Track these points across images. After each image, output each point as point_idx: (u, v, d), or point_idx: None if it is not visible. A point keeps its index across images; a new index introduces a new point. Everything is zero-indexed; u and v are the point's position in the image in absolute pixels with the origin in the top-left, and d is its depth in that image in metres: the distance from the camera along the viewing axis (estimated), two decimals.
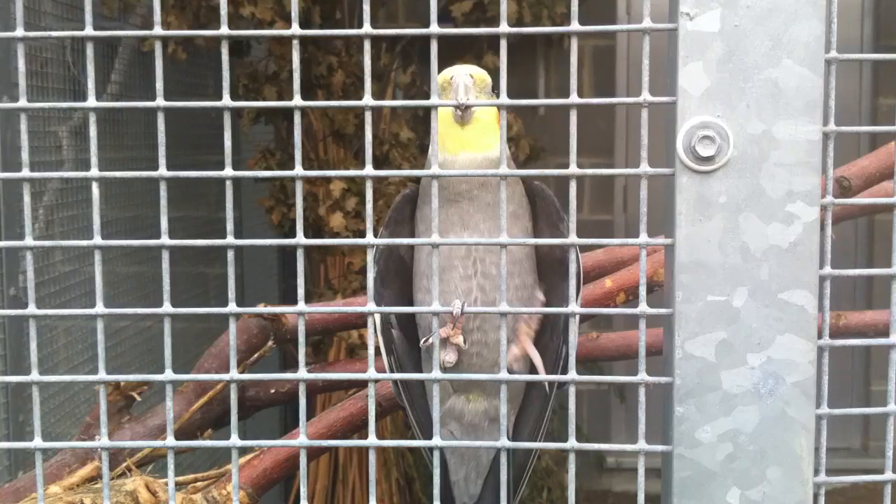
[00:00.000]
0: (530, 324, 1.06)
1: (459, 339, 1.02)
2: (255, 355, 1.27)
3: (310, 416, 2.74)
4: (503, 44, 0.64)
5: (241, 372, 1.25)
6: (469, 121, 1.03)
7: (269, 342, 1.28)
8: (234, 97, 3.22)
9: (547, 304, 1.07)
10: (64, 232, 2.58)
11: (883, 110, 4.03)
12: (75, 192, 2.55)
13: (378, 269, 1.09)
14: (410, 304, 1.09)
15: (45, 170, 2.54)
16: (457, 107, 1.01)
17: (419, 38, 3.48)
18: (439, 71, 1.07)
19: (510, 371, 1.04)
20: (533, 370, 1.04)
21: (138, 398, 1.25)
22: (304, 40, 3.06)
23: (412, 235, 1.08)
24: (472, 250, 1.03)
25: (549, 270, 1.09)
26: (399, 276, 1.10)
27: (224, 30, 0.63)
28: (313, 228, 2.96)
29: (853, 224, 3.70)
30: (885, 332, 0.72)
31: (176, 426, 1.19)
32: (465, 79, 1.02)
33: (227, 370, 1.29)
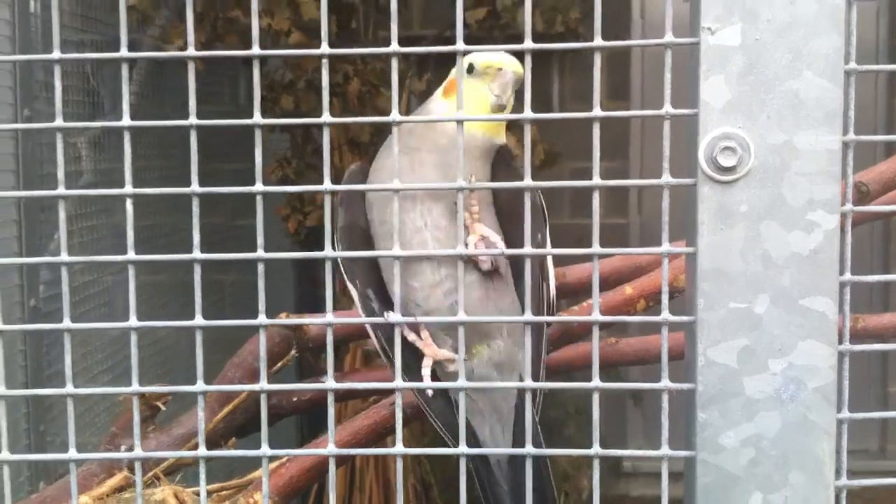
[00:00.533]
0: (471, 210, 1.05)
1: (443, 353, 1.05)
2: (279, 364, 1.29)
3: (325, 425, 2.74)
4: (528, 60, 0.65)
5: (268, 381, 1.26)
6: (503, 109, 1.08)
7: (293, 351, 1.29)
8: (249, 108, 3.25)
9: (510, 246, 1.07)
10: (83, 242, 2.60)
11: None
12: (94, 202, 2.58)
13: (344, 247, 1.11)
14: (380, 274, 1.11)
15: (66, 180, 2.56)
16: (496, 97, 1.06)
17: (435, 45, 3.46)
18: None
19: (481, 264, 1.05)
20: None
21: (163, 408, 1.26)
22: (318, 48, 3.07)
23: (365, 209, 1.11)
24: (417, 201, 1.05)
25: (511, 219, 1.10)
26: (366, 249, 1.12)
27: (256, 49, 0.64)
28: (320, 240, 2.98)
29: (869, 227, 3.69)
30: None
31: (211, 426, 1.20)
32: (513, 75, 1.08)
33: (250, 379, 1.32)
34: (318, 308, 2.99)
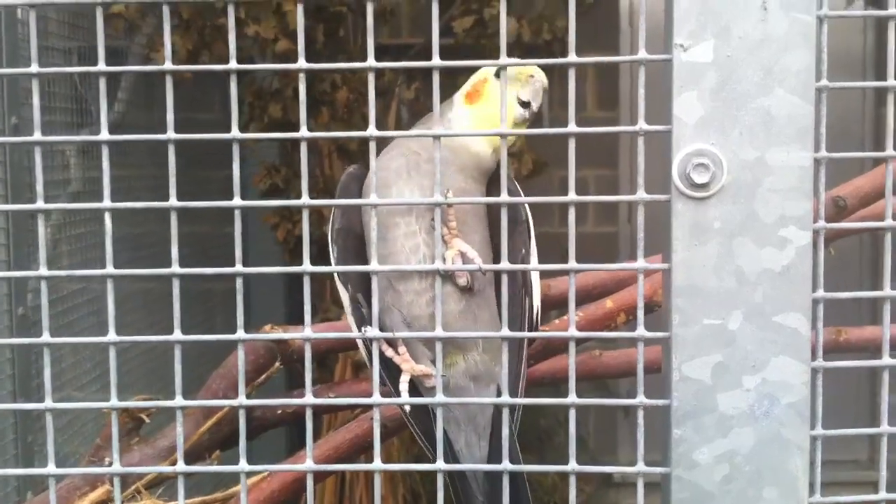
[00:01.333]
0: (449, 225, 1.05)
1: (420, 369, 1.05)
2: (263, 376, 1.29)
3: (316, 435, 2.75)
4: (504, 77, 0.66)
5: (249, 393, 1.26)
6: (527, 122, 1.09)
7: (276, 363, 1.29)
8: (238, 114, 3.25)
9: (497, 260, 1.07)
10: (71, 251, 2.60)
11: (885, 120, 4.03)
12: (82, 210, 2.57)
13: (338, 249, 1.11)
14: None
15: (53, 189, 2.56)
16: (524, 105, 1.08)
17: (424, 53, 3.50)
18: (460, 83, 1.12)
19: (457, 279, 1.05)
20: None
21: (147, 420, 1.26)
22: (308, 56, 3.08)
23: (360, 213, 1.10)
24: (412, 206, 1.05)
25: (499, 233, 1.10)
26: (360, 254, 1.11)
27: (233, 64, 0.64)
28: (318, 245, 2.98)
29: (857, 238, 3.70)
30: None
31: (184, 448, 1.20)
32: (542, 84, 1.09)
33: (234, 391, 1.32)
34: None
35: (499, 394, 1.10)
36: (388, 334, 1.05)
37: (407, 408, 1.11)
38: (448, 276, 1.04)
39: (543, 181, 3.37)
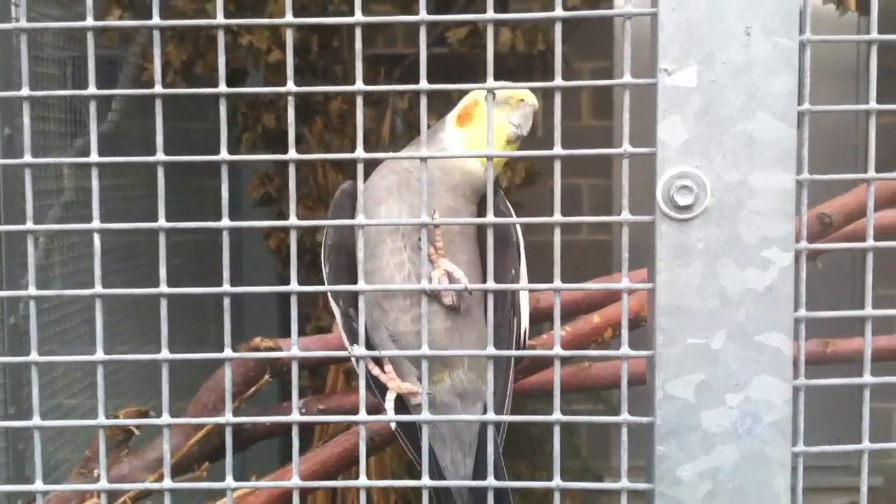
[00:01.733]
0: (435, 245, 1.06)
1: (406, 387, 1.06)
2: (252, 389, 1.29)
3: (308, 444, 2.73)
4: (489, 100, 0.67)
5: (239, 405, 1.27)
6: (517, 144, 1.11)
7: (266, 376, 1.30)
8: (232, 124, 3.26)
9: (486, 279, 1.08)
10: (64, 260, 2.59)
11: (879, 127, 4.05)
12: (75, 218, 2.58)
13: (330, 265, 1.12)
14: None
15: (47, 198, 2.56)
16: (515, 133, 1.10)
17: (418, 63, 3.49)
18: (460, 96, 1.13)
19: (443, 299, 1.06)
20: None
21: (137, 433, 1.27)
22: (302, 67, 3.09)
23: (353, 229, 1.11)
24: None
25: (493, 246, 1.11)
26: (351, 270, 1.12)
27: (222, 87, 0.65)
28: (311, 254, 2.99)
29: (849, 252, 3.70)
30: (873, 360, 0.74)
31: (173, 460, 1.21)
32: (532, 108, 1.11)
33: (224, 402, 1.31)
34: (301, 329, 2.98)
35: (485, 411, 1.11)
36: (375, 353, 1.06)
37: (393, 426, 1.11)
38: (434, 296, 1.05)
39: (537, 190, 3.38)
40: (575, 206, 3.99)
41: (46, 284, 2.44)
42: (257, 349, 1.21)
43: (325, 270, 1.13)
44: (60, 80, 2.66)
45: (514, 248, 1.11)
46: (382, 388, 1.10)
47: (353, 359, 1.16)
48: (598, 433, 3.94)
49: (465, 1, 3.28)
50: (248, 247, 3.48)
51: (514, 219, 0.99)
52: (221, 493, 1.39)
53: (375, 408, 1.06)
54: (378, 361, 1.09)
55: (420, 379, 1.02)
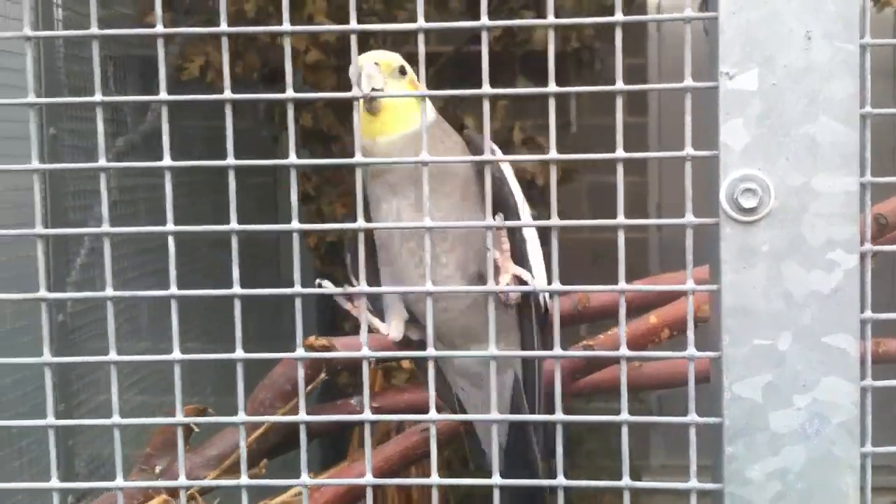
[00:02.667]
0: (501, 248, 1.07)
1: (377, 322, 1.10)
2: (309, 387, 1.31)
3: (345, 446, 2.72)
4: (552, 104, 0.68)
5: (294, 405, 1.29)
6: (378, 110, 1.07)
7: (322, 374, 1.32)
8: (270, 123, 3.28)
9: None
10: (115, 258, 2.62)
11: None
12: (119, 216, 2.62)
13: (350, 256, 1.16)
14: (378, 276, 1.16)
15: (89, 197, 2.60)
16: (363, 98, 1.06)
17: (452, 62, 3.53)
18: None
19: (506, 300, 1.09)
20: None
21: (197, 429, 1.30)
22: (340, 67, 3.12)
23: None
24: (401, 220, 1.09)
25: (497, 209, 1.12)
26: (370, 258, 1.16)
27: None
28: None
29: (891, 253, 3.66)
30: None
31: (232, 459, 1.24)
32: (369, 68, 1.06)
33: (281, 401, 1.35)
34: (340, 327, 3.00)
35: (515, 379, 1.15)
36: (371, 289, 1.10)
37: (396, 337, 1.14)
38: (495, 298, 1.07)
39: (573, 188, 3.38)
40: (610, 203, 3.97)
41: (90, 283, 2.48)
42: (312, 348, 1.23)
43: (347, 262, 1.17)
44: (101, 79, 2.70)
45: (512, 211, 1.11)
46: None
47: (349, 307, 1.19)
48: (637, 432, 3.93)
49: (499, 0, 3.29)
50: (286, 245, 3.51)
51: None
52: (275, 490, 1.42)
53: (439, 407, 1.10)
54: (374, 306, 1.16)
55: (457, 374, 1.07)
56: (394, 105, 1.08)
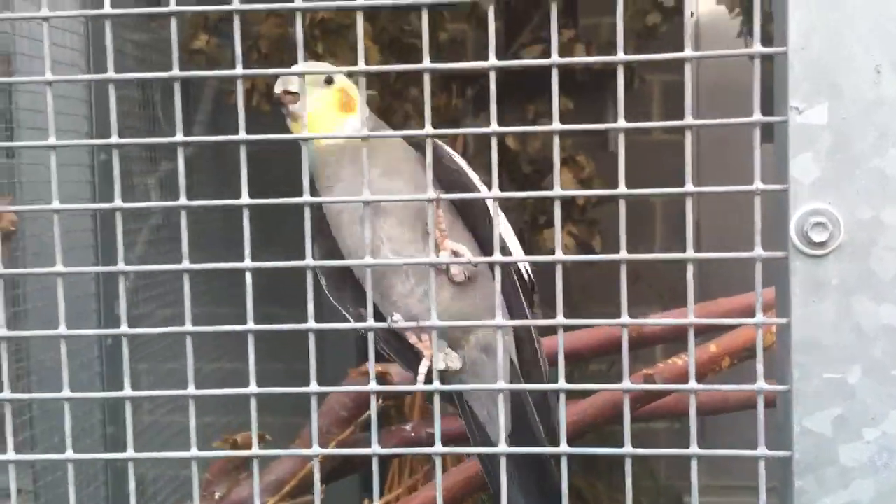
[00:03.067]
0: (439, 225, 1.08)
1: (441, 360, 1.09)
2: (366, 414, 1.33)
3: (385, 475, 2.71)
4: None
5: (353, 431, 1.31)
6: (297, 117, 1.10)
7: (379, 400, 1.33)
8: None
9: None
10: (147, 284, 2.64)
11: None
12: (163, 240, 2.66)
13: (324, 278, 1.18)
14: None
15: (136, 221, 2.64)
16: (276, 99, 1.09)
17: (498, 76, 3.52)
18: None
19: (454, 278, 1.10)
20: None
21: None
22: (381, 89, 3.15)
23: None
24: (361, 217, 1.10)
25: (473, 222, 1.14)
26: (342, 270, 1.18)
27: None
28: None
29: None
30: None
31: (292, 484, 1.25)
32: (281, 85, 1.10)
33: (337, 426, 1.37)
34: (379, 355, 2.96)
35: (512, 363, 1.16)
36: (413, 324, 1.10)
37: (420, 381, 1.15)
38: (440, 272, 1.08)
39: (613, 207, 3.37)
40: (648, 223, 3.97)
41: (134, 306, 2.51)
42: (367, 374, 1.24)
43: (323, 283, 1.18)
44: (145, 103, 2.75)
45: (480, 202, 1.11)
46: (411, 362, 1.15)
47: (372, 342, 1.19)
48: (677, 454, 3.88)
49: (539, 19, 3.30)
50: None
51: (655, 255, 1.00)
52: None
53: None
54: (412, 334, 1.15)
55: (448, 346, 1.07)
56: (316, 114, 1.12)
